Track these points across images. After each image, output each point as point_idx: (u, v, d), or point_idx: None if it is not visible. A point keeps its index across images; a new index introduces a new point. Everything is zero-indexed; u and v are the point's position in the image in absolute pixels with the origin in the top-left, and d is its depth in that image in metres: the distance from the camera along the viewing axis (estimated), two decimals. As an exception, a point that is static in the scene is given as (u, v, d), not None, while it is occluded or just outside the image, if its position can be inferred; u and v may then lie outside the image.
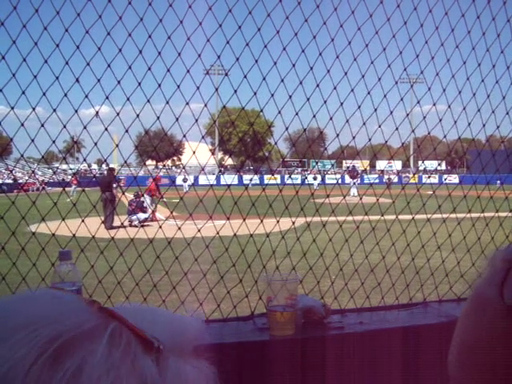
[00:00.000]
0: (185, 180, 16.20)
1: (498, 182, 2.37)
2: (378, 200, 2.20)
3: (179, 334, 0.45)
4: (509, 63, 2.18)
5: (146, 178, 15.62)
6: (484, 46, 2.11)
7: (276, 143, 2.38)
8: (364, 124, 2.08)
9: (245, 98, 1.93)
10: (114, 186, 14.40)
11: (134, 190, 14.06)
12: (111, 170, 14.55)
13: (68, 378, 0.37)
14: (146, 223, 13.77)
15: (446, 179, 2.95)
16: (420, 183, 2.42)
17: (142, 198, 15.33)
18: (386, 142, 2.15)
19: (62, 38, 1.73)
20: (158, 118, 1.93)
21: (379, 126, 2.18)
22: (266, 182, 2.83)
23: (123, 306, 0.48)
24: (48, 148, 2.02)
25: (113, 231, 2.04)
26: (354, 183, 22.11)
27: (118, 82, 1.81)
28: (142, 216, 15.19)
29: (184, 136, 1.96)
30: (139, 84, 1.84)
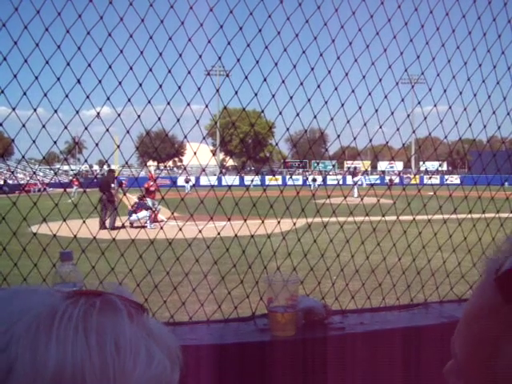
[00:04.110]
0: (187, 181, 16.19)
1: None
2: (378, 201, 2.20)
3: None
4: (510, 64, 2.18)
5: (146, 179, 15.61)
6: (485, 47, 2.11)
7: (277, 144, 2.39)
8: (365, 125, 2.08)
9: (246, 99, 1.93)
10: (113, 186, 14.39)
11: (135, 192, 14.04)
12: (111, 171, 14.53)
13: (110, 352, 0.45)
14: (144, 224, 13.80)
15: (447, 180, 2.95)
16: (421, 184, 2.42)
17: (145, 200, 15.37)
18: (387, 142, 2.15)
19: (63, 39, 1.73)
20: (159, 118, 1.93)
21: (380, 127, 2.18)
22: (267, 182, 2.83)
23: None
24: (49, 149, 2.03)
25: (114, 232, 2.04)
26: (356, 183, 22.13)
27: (119, 83, 1.82)
28: (141, 215, 15.22)
29: (185, 137, 1.96)
30: (140, 85, 1.84)
